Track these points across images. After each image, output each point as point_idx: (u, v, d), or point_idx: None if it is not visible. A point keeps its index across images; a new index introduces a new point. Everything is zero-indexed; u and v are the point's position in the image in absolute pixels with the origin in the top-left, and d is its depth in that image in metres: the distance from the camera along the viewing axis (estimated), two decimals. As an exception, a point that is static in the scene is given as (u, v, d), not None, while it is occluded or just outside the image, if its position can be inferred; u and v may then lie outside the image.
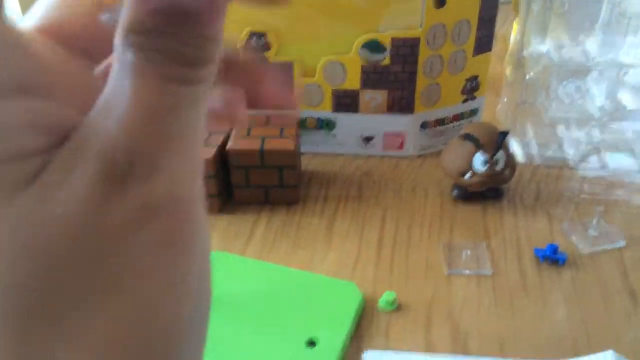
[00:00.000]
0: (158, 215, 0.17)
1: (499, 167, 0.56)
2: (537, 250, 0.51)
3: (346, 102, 0.63)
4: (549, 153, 0.65)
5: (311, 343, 0.42)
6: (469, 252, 0.52)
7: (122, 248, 0.17)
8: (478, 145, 0.55)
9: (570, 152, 0.64)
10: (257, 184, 0.55)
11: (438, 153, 0.66)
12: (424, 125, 0.65)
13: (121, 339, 0.17)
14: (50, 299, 0.16)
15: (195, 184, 0.18)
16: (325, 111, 0.63)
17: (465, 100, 0.66)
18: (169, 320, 0.18)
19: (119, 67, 0.16)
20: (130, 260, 0.17)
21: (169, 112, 0.16)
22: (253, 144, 0.54)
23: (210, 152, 0.53)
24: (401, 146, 0.66)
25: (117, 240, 0.17)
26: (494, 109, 0.72)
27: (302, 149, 0.64)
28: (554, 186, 0.61)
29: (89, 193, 0.16)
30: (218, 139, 0.55)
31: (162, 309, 0.18)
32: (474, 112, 0.68)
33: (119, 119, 0.16)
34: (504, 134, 0.56)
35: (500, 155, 0.56)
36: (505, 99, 0.69)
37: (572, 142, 0.65)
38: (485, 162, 0.55)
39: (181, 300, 0.19)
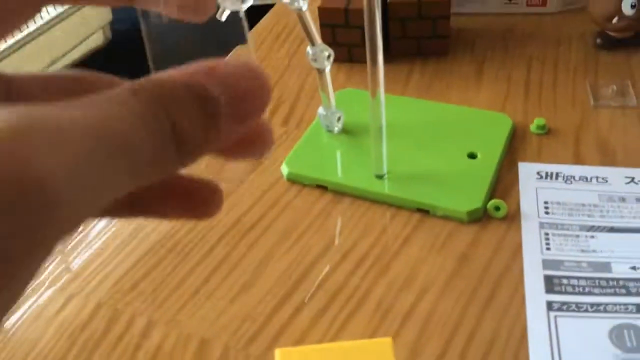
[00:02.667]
0: None
1: (647, 10, 0.58)
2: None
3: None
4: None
5: (471, 156, 0.49)
6: (614, 87, 0.55)
7: None
8: (627, -11, 0.57)
9: None
10: (412, 36, 0.61)
11: (581, 9, 0.68)
12: (568, -19, 0.67)
13: None
14: None
15: None
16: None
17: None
18: None
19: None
20: None
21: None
22: (409, -2, 0.60)
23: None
24: (544, 3, 0.68)
25: None
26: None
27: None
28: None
29: None
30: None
31: None
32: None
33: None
34: (655, -22, 0.57)
35: (650, -1, 0.58)
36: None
37: None
38: (634, 5, 0.57)
39: None
